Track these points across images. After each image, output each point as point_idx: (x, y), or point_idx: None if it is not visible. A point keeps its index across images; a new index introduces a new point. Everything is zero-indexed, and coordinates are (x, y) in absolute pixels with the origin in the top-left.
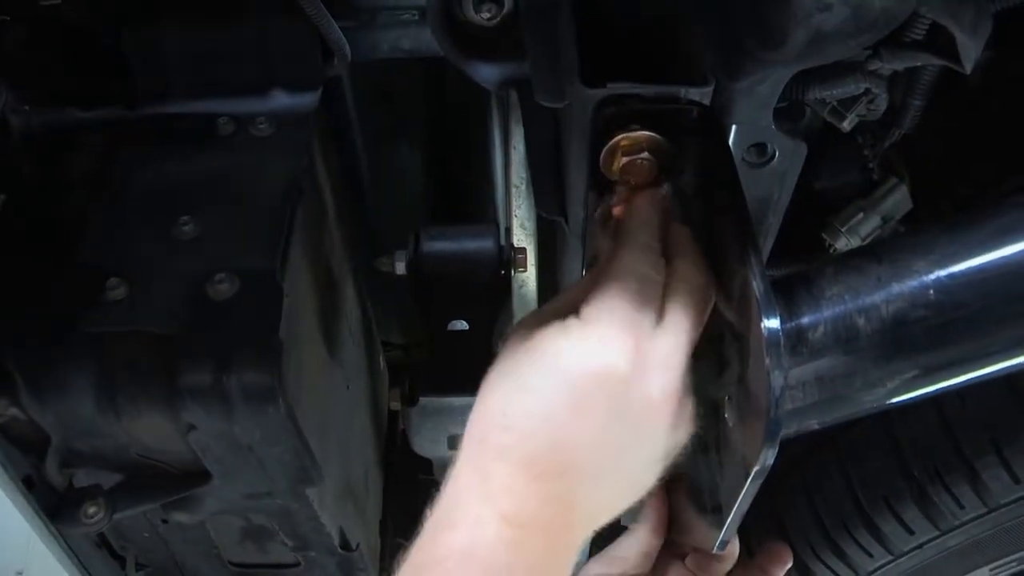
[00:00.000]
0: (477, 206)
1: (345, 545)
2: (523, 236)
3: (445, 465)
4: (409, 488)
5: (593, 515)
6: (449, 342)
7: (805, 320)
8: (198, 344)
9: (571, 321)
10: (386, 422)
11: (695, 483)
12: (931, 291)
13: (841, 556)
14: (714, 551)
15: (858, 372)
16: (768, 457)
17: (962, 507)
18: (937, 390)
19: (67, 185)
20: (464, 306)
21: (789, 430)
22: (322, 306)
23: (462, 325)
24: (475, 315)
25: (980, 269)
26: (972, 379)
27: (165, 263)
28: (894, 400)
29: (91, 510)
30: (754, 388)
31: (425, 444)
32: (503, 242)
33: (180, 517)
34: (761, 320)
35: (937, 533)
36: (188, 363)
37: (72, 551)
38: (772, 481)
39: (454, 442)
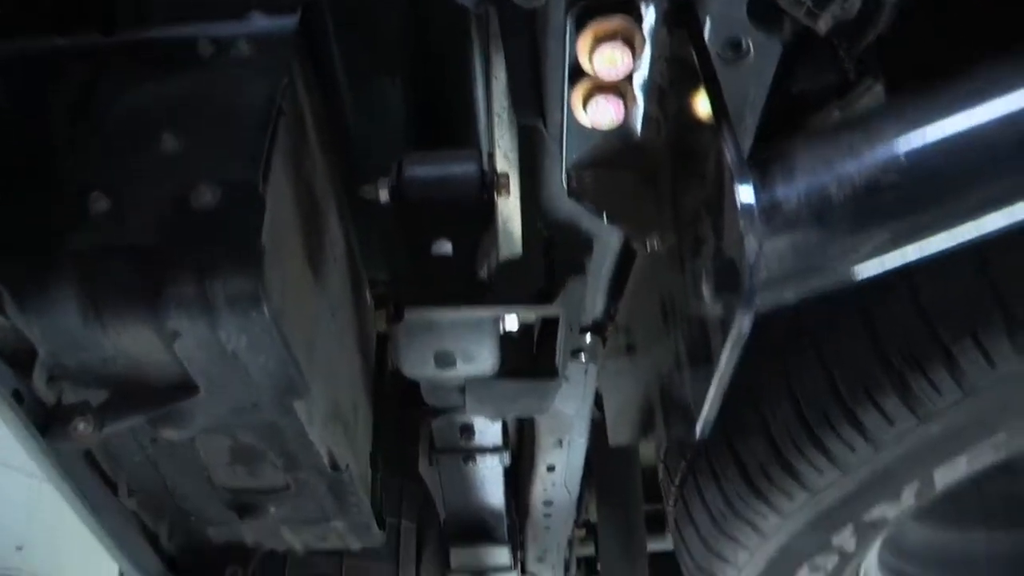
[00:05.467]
0: (460, 136)
1: (335, 466)
2: (506, 165)
3: (433, 387)
4: (399, 426)
5: None
6: (433, 264)
7: (779, 190)
8: (181, 253)
9: None
10: (374, 358)
11: (674, 382)
12: (902, 156)
13: (824, 452)
14: (697, 437)
15: (832, 240)
16: (745, 323)
17: (940, 393)
18: (910, 260)
19: (48, 113)
20: (448, 228)
21: (766, 302)
22: (306, 228)
23: (446, 248)
24: (459, 237)
25: (950, 132)
26: (944, 247)
27: (147, 177)
28: (868, 269)
29: (80, 425)
30: (729, 254)
31: (412, 363)
32: (486, 167)
33: (169, 433)
34: (734, 186)
35: (916, 421)
36: (171, 271)
37: (68, 475)
38: (754, 385)
39: (440, 359)
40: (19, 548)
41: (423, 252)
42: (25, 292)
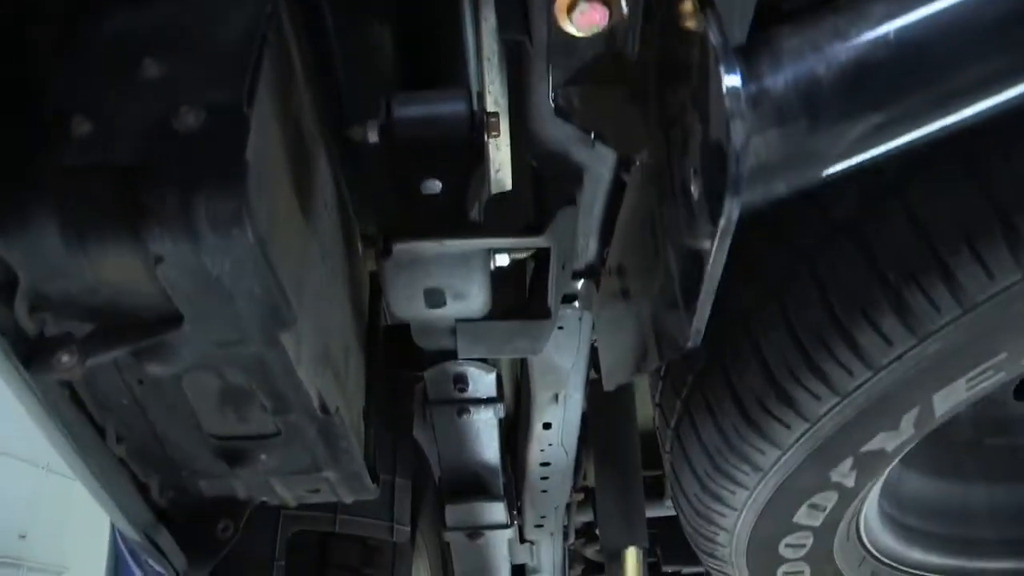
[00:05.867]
0: (449, 80)
1: (325, 408)
2: (496, 107)
3: (424, 328)
4: (394, 384)
5: None
6: (422, 202)
7: (765, 75)
8: (163, 172)
9: None
10: (367, 314)
11: (666, 298)
12: (890, 34)
13: (821, 377)
14: (688, 344)
15: (821, 123)
16: (733, 210)
17: (938, 311)
18: (900, 143)
19: (29, 44)
20: (437, 167)
21: (756, 196)
22: (294, 165)
23: (435, 187)
24: (448, 176)
25: (939, 8)
26: (934, 128)
27: (130, 100)
28: (859, 155)
29: (64, 357)
30: (716, 138)
31: (402, 302)
32: (475, 107)
33: (155, 368)
34: (719, 70)
35: (915, 341)
36: (153, 190)
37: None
38: (748, 314)
39: (430, 297)
40: (22, 536)
41: (412, 191)
42: (4, 214)
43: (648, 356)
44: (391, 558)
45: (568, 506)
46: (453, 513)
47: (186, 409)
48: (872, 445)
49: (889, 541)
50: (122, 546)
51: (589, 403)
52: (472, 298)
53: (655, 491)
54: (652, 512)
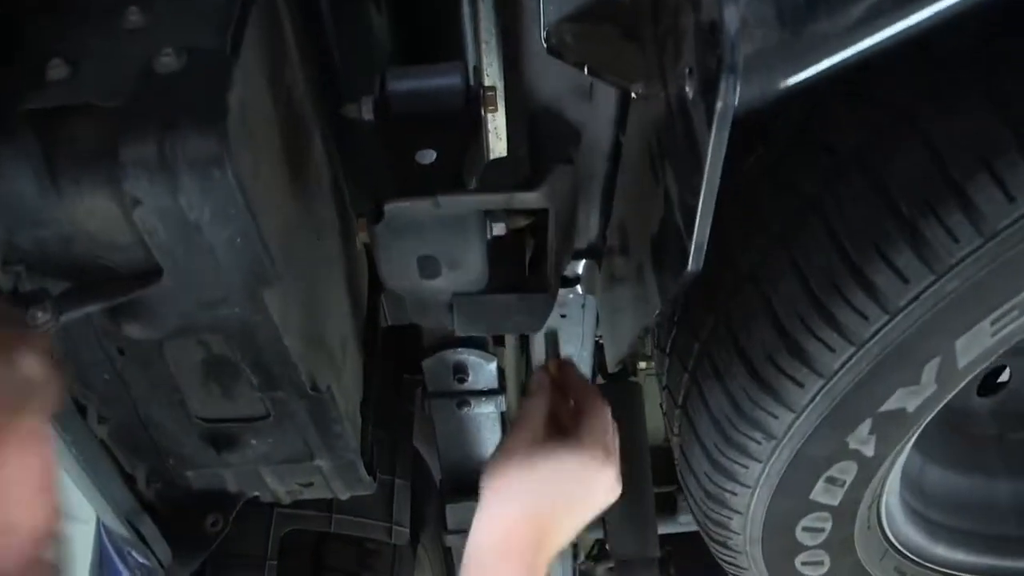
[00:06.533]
0: (446, 58)
1: (315, 386)
2: (493, 82)
3: (419, 303)
4: (394, 388)
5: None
6: (417, 170)
7: None
8: (141, 111)
9: (576, 443)
10: (365, 308)
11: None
12: None
13: (835, 325)
14: (689, 268)
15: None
16: (729, 91)
17: (957, 240)
18: (909, 23)
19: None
20: (432, 138)
21: (754, 88)
22: (285, 133)
23: (430, 156)
24: (444, 146)
25: None
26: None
27: (110, 46)
28: (864, 39)
29: (39, 314)
30: (710, 20)
31: (395, 271)
32: (471, 81)
33: (134, 330)
34: None
35: (933, 278)
36: (130, 130)
37: None
38: (755, 266)
39: (424, 266)
40: None
41: (406, 160)
42: None
43: (649, 305)
44: (390, 561)
45: None
46: (455, 513)
47: (170, 385)
48: (891, 404)
49: (912, 535)
50: (107, 543)
51: None
52: (468, 268)
53: (668, 507)
54: (666, 528)
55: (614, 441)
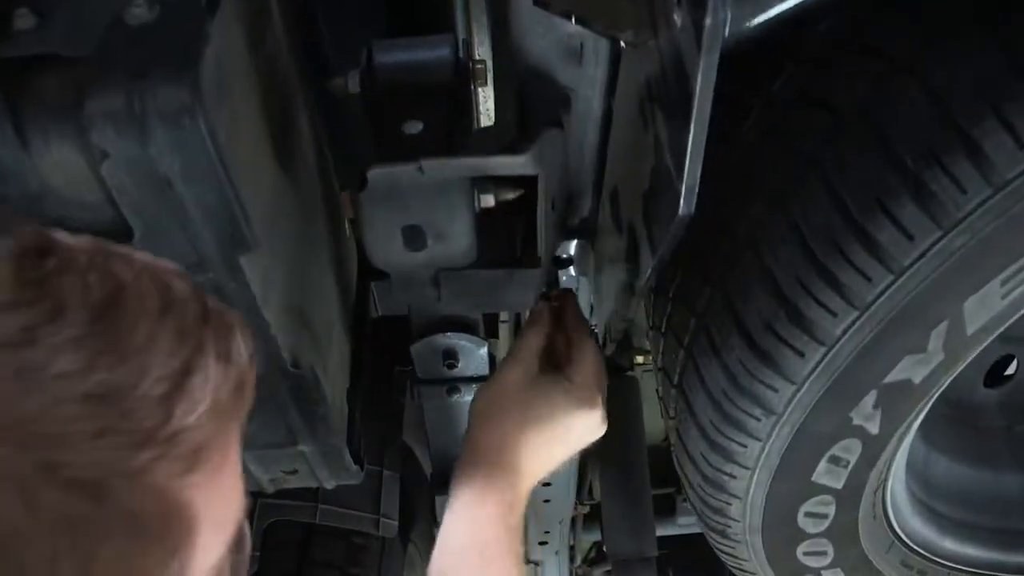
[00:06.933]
0: (436, 31)
1: (296, 363)
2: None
3: (405, 280)
4: (386, 379)
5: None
6: (404, 140)
7: None
8: (109, 64)
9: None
10: (353, 292)
11: (655, 164)
12: None
13: (837, 287)
14: (680, 212)
15: None
16: (719, 6)
17: (964, 191)
18: None
19: None
20: (420, 110)
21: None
22: (266, 100)
23: (418, 127)
24: (431, 117)
25: None
26: None
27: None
28: None
29: None
30: None
31: (379, 243)
32: (460, 53)
33: None
34: None
35: (940, 233)
36: (97, 79)
37: None
38: (752, 232)
39: (409, 237)
40: None
41: (392, 130)
42: None
43: (641, 259)
44: (378, 556)
45: (573, 521)
46: (445, 506)
47: None
48: (897, 374)
49: (919, 527)
50: None
51: None
52: (454, 239)
53: (667, 509)
54: (665, 531)
55: (603, 381)
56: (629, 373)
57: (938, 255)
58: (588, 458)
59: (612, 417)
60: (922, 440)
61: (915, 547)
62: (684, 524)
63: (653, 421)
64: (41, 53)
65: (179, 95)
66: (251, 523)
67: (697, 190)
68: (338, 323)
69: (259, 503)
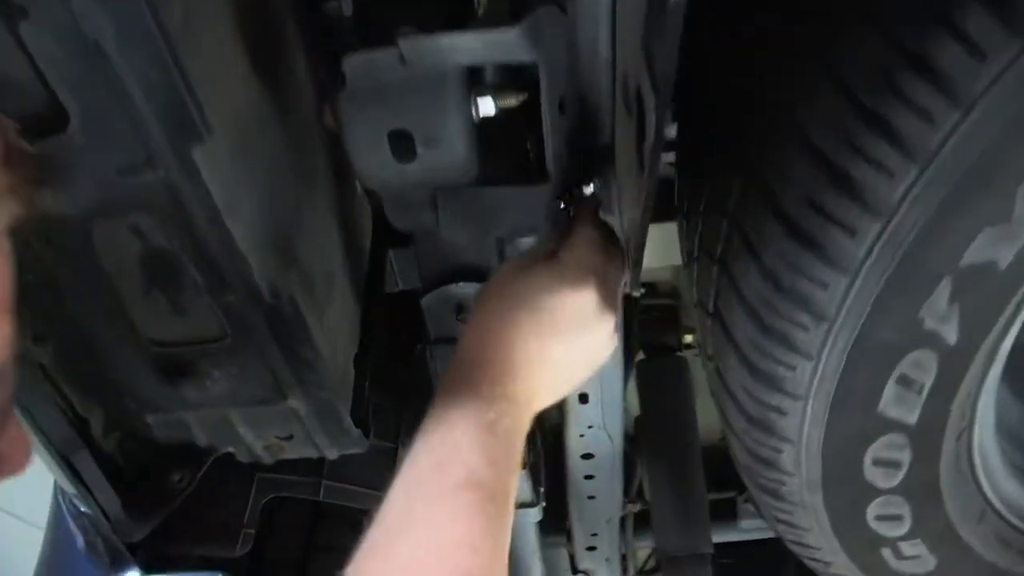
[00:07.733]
0: None
1: (275, 292)
2: None
3: (398, 201)
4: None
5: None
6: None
7: None
8: None
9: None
10: (365, 252)
11: None
12: None
13: (891, 137)
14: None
15: None
16: None
17: (984, 58)
18: None
19: None
20: (412, 17)
21: None
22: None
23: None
24: (425, 19)
25: None
26: None
27: None
28: None
29: None
30: None
31: (365, 154)
32: None
33: (48, 200)
34: None
35: (959, 113)
36: None
37: None
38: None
39: (396, 145)
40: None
41: (383, 35)
42: None
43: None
44: None
45: (623, 521)
46: None
47: (107, 292)
48: (976, 254)
49: (1019, 495)
50: (63, 506)
51: (640, 392)
52: (448, 147)
53: (726, 514)
54: (726, 536)
55: (600, 263)
56: (678, 353)
57: (960, 139)
58: (635, 448)
59: (659, 401)
60: (1012, 394)
61: (1015, 521)
62: (747, 528)
63: (708, 416)
64: None
65: None
66: (248, 498)
67: None
68: (341, 276)
69: (257, 478)
